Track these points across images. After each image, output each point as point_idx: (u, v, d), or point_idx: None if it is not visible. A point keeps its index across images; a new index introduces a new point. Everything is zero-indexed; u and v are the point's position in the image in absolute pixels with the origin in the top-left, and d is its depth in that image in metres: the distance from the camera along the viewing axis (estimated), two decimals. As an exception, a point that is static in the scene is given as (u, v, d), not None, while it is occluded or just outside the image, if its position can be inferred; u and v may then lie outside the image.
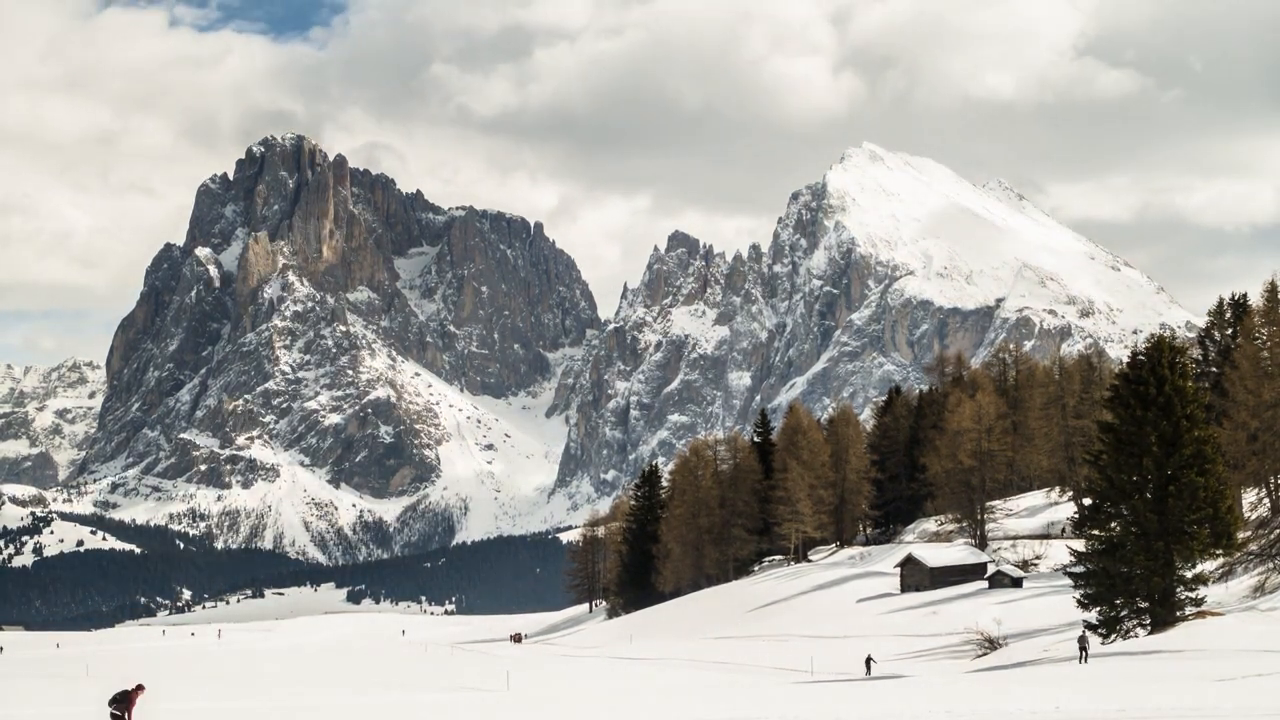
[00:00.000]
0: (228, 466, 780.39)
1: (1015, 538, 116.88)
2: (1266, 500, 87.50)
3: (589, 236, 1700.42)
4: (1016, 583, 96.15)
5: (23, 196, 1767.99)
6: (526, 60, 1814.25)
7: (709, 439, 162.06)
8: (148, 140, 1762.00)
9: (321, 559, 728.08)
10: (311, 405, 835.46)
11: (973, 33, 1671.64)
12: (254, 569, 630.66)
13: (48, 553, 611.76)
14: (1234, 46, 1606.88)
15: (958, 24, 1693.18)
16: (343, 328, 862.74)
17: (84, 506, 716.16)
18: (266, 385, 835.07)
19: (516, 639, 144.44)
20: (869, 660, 68.47)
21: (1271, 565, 71.72)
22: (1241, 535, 69.94)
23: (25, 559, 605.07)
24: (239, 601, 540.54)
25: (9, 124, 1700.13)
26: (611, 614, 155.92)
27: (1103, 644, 60.23)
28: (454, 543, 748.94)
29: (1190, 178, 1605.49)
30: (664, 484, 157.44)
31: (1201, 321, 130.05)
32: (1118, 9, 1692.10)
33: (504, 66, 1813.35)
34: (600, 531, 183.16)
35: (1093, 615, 60.97)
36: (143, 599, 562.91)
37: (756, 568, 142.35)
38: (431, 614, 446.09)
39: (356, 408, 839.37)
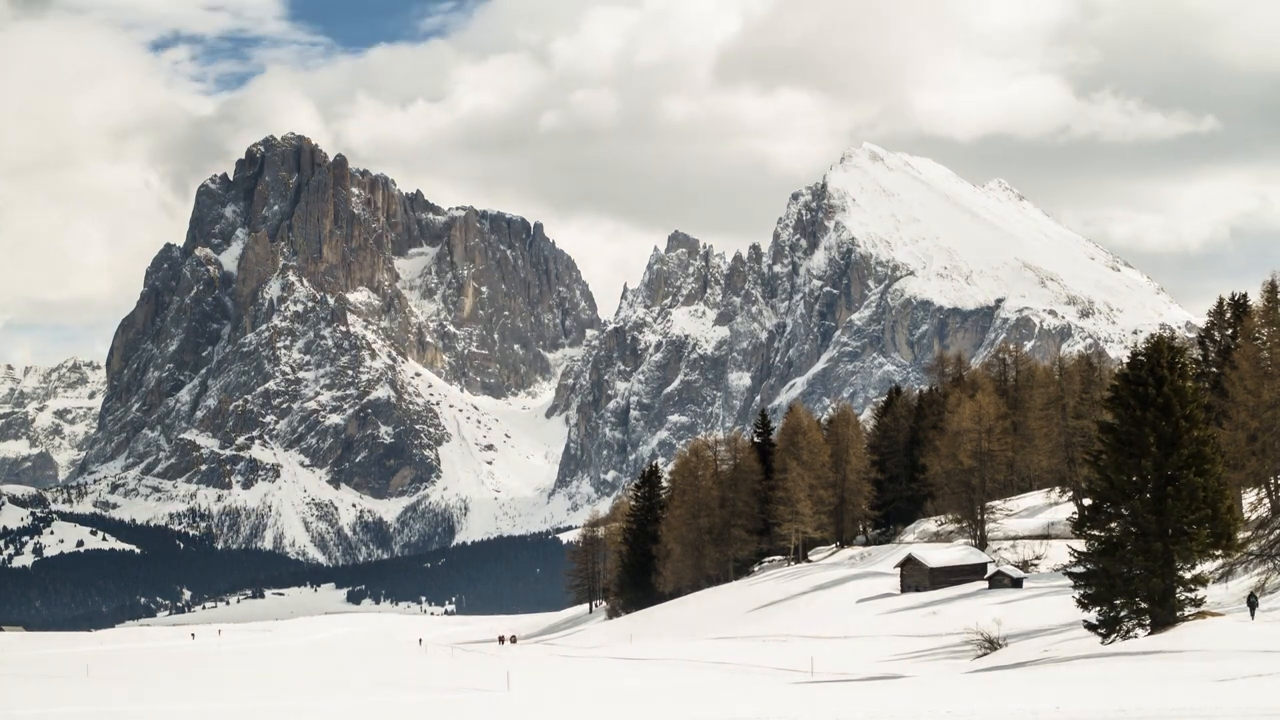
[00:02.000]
0: (228, 467, 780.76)
1: (1015, 538, 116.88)
2: (1266, 500, 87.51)
3: (587, 238, 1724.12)
4: (1016, 583, 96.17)
5: (21, 204, 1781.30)
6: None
7: (709, 439, 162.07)
8: (143, 151, 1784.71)
9: (321, 559, 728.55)
10: (311, 405, 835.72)
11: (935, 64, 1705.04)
12: (254, 569, 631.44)
13: (48, 553, 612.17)
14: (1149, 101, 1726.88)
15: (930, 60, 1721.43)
16: (343, 328, 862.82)
17: (84, 507, 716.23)
18: (266, 385, 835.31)
19: (508, 640, 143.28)
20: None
21: (1271, 565, 71.77)
22: (1241, 535, 69.92)
23: (25, 559, 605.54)
24: (239, 602, 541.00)
25: (12, 146, 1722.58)
26: (611, 614, 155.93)
27: (1102, 644, 60.25)
28: (454, 543, 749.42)
29: (1119, 209, 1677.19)
30: (664, 484, 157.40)
31: (1201, 321, 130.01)
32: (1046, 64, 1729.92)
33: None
34: (600, 532, 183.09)
35: (1093, 615, 60.99)
36: (143, 599, 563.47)
37: (756, 568, 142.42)
38: (431, 614, 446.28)
39: (356, 408, 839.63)
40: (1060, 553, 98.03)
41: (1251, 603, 64.18)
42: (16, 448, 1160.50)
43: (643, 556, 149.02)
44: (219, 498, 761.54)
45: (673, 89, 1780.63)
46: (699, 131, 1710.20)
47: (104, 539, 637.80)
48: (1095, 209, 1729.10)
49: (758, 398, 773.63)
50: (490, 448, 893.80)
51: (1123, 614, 59.75)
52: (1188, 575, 59.48)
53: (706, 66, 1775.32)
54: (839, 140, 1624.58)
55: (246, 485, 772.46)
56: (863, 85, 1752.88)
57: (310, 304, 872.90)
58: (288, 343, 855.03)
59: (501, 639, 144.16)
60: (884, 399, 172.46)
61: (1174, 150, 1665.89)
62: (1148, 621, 59.58)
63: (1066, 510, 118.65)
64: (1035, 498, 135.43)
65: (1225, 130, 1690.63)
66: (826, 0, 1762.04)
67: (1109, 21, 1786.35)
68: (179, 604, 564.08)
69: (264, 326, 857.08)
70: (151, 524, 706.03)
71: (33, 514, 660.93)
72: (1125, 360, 73.30)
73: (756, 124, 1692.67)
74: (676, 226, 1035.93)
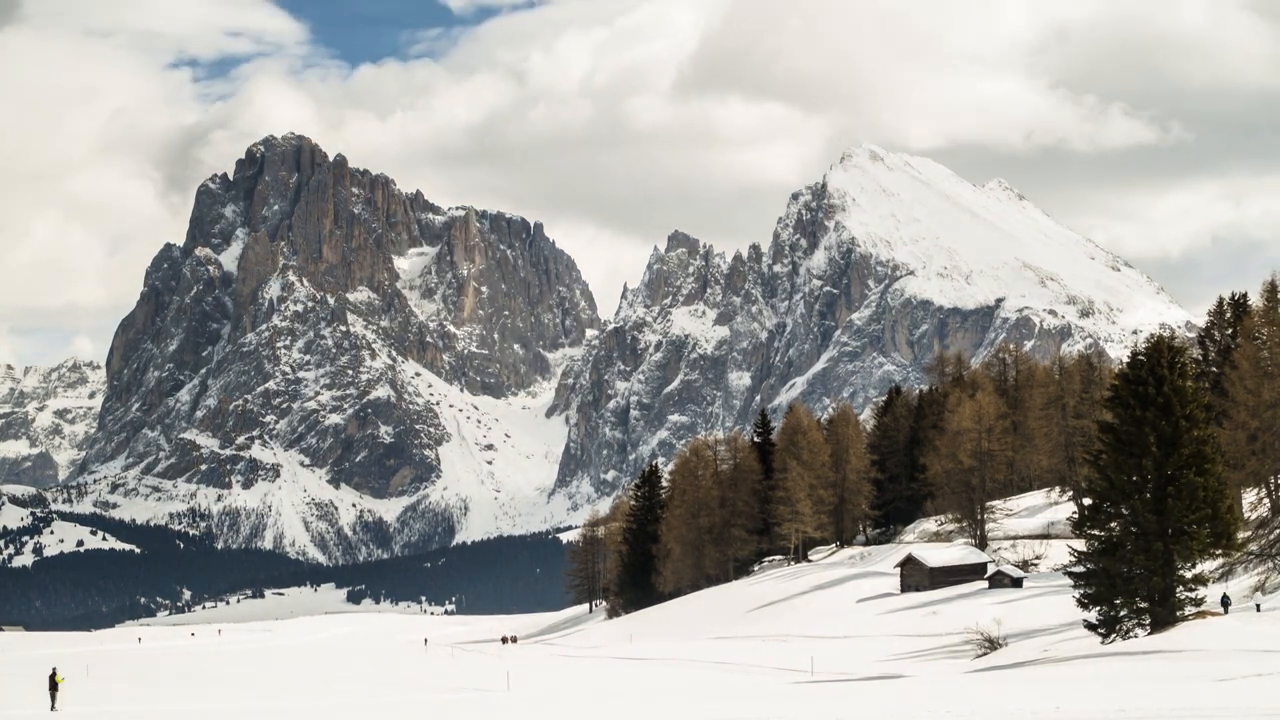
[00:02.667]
0: (228, 466, 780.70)
1: (1015, 538, 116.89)
2: (1266, 500, 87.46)
3: (586, 237, 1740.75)
4: (1016, 583, 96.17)
5: (22, 208, 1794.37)
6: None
7: (709, 439, 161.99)
8: (142, 152, 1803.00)
9: (321, 559, 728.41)
10: (311, 405, 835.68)
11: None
12: (254, 569, 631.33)
13: (48, 553, 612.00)
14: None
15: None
16: (343, 328, 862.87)
17: (84, 507, 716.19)
18: (266, 385, 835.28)
19: (509, 640, 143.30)
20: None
21: (1271, 565, 71.77)
22: (1241, 535, 69.91)
23: (25, 559, 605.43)
24: (239, 601, 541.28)
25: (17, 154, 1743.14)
26: (611, 614, 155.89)
27: (1102, 644, 60.22)
28: (454, 543, 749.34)
29: (1096, 218, 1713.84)
30: (664, 484, 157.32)
31: (1201, 321, 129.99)
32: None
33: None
34: (600, 532, 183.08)
35: (1093, 615, 60.98)
36: (143, 599, 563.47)
37: (756, 568, 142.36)
38: (431, 614, 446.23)
39: (356, 408, 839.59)
40: (1060, 552, 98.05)
41: (1224, 602, 65.17)
42: (16, 448, 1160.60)
43: (643, 556, 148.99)
44: (219, 497, 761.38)
45: (646, 99, 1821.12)
46: (675, 139, 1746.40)
47: (104, 539, 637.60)
48: (1070, 218, 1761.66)
49: (758, 397, 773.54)
50: (490, 447, 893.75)
51: (1123, 614, 59.71)
52: (1188, 575, 59.46)
53: (676, 79, 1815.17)
54: (808, 148, 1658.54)
55: (246, 485, 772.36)
56: (830, 97, 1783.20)
57: (310, 304, 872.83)
58: (288, 342, 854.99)
59: (504, 639, 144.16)
60: (884, 399, 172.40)
61: (1144, 161, 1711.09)
62: (1148, 621, 59.55)
63: (1066, 510, 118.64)
64: (1035, 497, 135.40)
65: (1195, 142, 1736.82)
66: (790, 15, 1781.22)
67: (1079, 37, 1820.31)
68: (179, 604, 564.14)
69: (264, 326, 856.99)
70: (151, 524, 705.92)
71: (33, 514, 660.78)
72: (1125, 360, 73.28)
73: (732, 133, 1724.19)
74: (652, 233, 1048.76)
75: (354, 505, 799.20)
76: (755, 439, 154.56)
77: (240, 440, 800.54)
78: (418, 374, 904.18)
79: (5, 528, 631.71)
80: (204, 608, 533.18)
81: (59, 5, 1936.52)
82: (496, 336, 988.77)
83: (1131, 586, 59.20)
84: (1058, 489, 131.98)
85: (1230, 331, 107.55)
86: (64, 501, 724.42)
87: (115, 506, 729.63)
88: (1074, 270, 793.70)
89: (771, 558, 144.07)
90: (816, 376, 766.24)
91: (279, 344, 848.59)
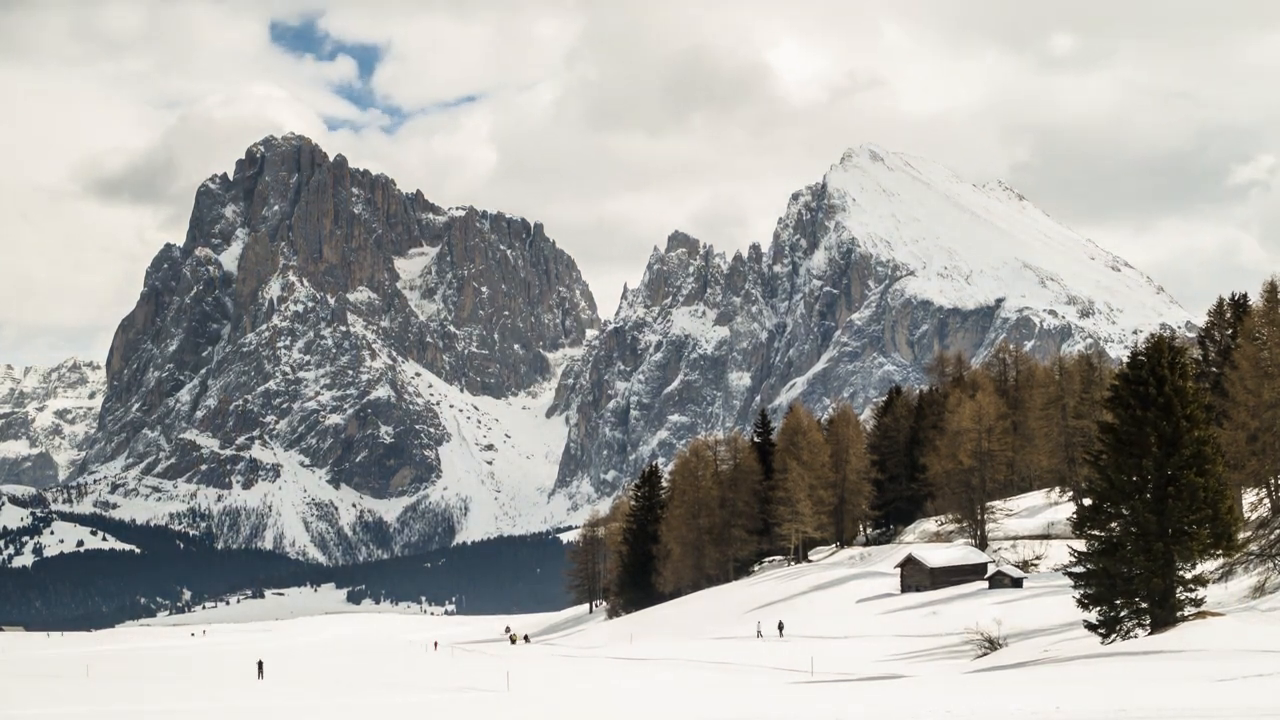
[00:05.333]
0: (228, 467, 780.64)
1: (1015, 538, 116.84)
2: (1266, 500, 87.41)
3: (588, 236, 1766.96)
4: (1017, 583, 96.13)
5: (22, 210, 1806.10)
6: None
7: (709, 439, 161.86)
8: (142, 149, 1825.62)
9: (321, 559, 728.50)
10: (312, 405, 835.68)
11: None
12: (254, 569, 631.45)
13: (48, 553, 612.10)
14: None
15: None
16: (343, 328, 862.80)
17: (84, 507, 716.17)
18: (267, 385, 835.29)
19: (520, 639, 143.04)
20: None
21: (1271, 565, 71.71)
22: (1241, 535, 69.85)
23: (25, 559, 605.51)
24: (239, 602, 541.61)
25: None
26: (612, 614, 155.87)
27: (1102, 644, 60.20)
28: (454, 543, 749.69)
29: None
30: (664, 484, 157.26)
31: (1201, 321, 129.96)
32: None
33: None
34: (600, 532, 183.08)
35: (1093, 615, 60.94)
36: (143, 599, 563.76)
37: (756, 568, 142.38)
38: (431, 614, 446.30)
39: (357, 408, 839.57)
40: (1060, 553, 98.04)
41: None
42: (16, 448, 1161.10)
43: (643, 556, 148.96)
44: (219, 498, 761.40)
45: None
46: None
47: (104, 539, 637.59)
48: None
49: (758, 398, 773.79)
50: (490, 448, 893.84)
51: (1123, 614, 59.64)
52: (1188, 575, 59.36)
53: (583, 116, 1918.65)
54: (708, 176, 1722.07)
55: (246, 485, 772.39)
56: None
57: (310, 304, 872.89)
58: (288, 343, 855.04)
59: (515, 638, 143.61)
60: (884, 399, 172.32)
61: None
62: (1148, 621, 59.49)
63: (1066, 510, 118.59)
64: (1035, 498, 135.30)
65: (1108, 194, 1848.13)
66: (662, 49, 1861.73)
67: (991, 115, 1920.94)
68: (179, 604, 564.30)
69: (264, 326, 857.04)
70: (151, 524, 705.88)
71: (33, 514, 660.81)
72: (1125, 360, 73.24)
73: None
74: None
75: (354, 505, 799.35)
76: (755, 439, 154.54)
77: (240, 440, 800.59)
78: (418, 374, 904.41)
79: (5, 528, 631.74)
80: (204, 608, 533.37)
81: (142, 93, 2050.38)
82: (496, 336, 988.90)
83: (1131, 587, 59.12)
84: (1058, 489, 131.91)
85: (1230, 332, 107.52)
86: (64, 502, 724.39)
87: (115, 507, 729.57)
88: (1074, 270, 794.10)
89: (771, 558, 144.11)
90: (816, 376, 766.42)
91: (279, 344, 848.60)
